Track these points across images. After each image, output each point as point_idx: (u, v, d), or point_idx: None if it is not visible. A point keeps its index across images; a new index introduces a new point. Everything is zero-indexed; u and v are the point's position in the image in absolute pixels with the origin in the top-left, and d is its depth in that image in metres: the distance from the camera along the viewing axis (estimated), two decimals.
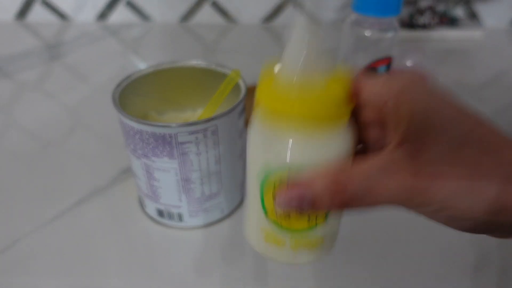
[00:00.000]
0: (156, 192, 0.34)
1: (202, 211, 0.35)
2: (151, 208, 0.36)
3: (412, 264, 0.33)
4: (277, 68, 0.19)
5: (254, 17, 0.83)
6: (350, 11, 0.40)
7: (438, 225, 0.19)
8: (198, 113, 0.40)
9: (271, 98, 0.19)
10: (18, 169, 0.44)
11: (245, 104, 0.34)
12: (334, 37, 0.77)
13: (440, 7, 0.78)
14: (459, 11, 0.81)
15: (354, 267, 0.33)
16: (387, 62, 0.41)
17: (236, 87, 0.35)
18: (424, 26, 0.75)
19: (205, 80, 0.38)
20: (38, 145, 0.48)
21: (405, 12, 0.77)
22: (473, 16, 0.82)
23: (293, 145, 0.18)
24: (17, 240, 0.35)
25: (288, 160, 0.19)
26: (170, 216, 0.36)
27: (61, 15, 0.82)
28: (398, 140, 0.18)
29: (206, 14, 0.82)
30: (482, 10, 0.81)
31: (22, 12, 0.82)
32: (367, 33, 0.39)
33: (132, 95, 0.36)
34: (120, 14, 0.82)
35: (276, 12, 0.82)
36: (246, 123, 0.35)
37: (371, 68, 0.41)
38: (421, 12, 0.75)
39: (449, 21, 0.78)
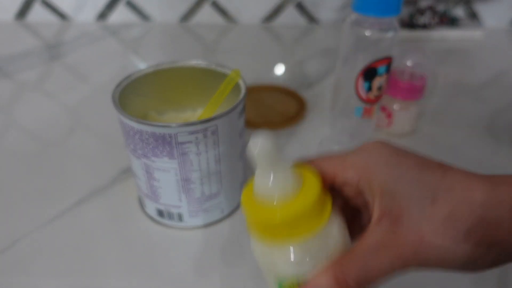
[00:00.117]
0: (156, 192, 0.34)
1: (202, 211, 0.35)
2: (151, 208, 0.36)
3: None
4: (253, 198, 0.21)
5: (254, 17, 0.83)
6: (350, 11, 0.40)
7: None
8: (198, 113, 0.40)
9: (259, 226, 0.21)
10: (18, 169, 0.44)
11: (245, 104, 0.34)
12: (334, 37, 0.77)
13: (440, 7, 0.78)
14: (459, 11, 0.81)
15: None
16: (387, 62, 0.41)
17: (236, 87, 0.35)
18: (424, 26, 0.75)
19: (205, 80, 0.38)
20: (38, 145, 0.48)
21: (405, 12, 0.77)
22: (473, 16, 0.82)
23: (291, 259, 0.20)
24: (17, 240, 0.35)
25: (292, 271, 0.20)
26: (170, 216, 0.36)
27: (61, 15, 0.82)
28: (376, 216, 0.19)
29: (206, 14, 0.82)
30: (482, 10, 0.81)
31: (22, 12, 0.82)
32: (367, 33, 0.39)
33: (132, 95, 0.36)
34: (120, 14, 0.82)
35: (276, 12, 0.82)
36: (246, 123, 0.35)
37: (371, 68, 0.41)
38: (421, 12, 0.75)
39: (449, 21, 0.78)
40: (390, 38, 0.40)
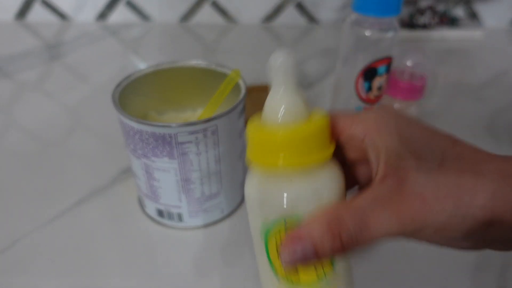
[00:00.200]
0: (156, 192, 0.34)
1: (202, 211, 0.35)
2: (151, 208, 0.36)
3: (412, 264, 0.33)
4: (261, 123, 0.20)
5: (254, 17, 0.83)
6: (350, 11, 0.40)
7: None
8: (198, 113, 0.40)
9: (259, 146, 0.19)
10: (18, 169, 0.44)
11: (245, 104, 0.34)
12: (334, 37, 0.77)
13: (440, 7, 0.78)
14: (459, 11, 0.81)
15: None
16: (387, 62, 0.41)
17: (236, 87, 0.35)
18: (424, 26, 0.75)
19: (205, 80, 0.38)
20: (38, 145, 0.48)
21: (405, 12, 0.77)
22: (473, 16, 0.82)
23: (284, 195, 0.19)
24: (17, 240, 0.35)
25: (282, 211, 0.19)
26: (170, 216, 0.36)
27: (61, 15, 0.82)
28: (381, 174, 0.18)
29: (206, 14, 0.82)
30: (482, 10, 0.81)
31: (22, 12, 0.82)
32: (367, 33, 0.39)
33: (132, 95, 0.36)
34: (120, 14, 0.82)
35: (276, 12, 0.82)
36: (246, 123, 0.35)
37: (371, 68, 0.41)
38: (421, 12, 0.75)
39: (449, 21, 0.78)
40: (390, 38, 0.40)
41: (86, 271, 0.33)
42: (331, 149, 0.20)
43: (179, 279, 0.32)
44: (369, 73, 0.41)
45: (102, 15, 0.82)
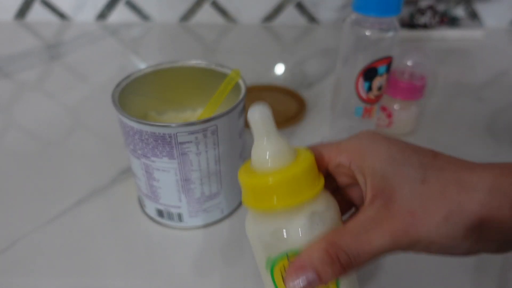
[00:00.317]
0: (156, 192, 0.34)
1: (202, 211, 0.35)
2: (151, 208, 0.36)
3: (412, 264, 0.33)
4: (251, 170, 0.21)
5: (254, 17, 0.83)
6: (350, 11, 0.40)
7: None
8: (198, 113, 0.40)
9: (253, 191, 0.21)
10: (18, 169, 0.44)
11: (245, 104, 0.34)
12: (334, 37, 0.77)
13: (441, 7, 0.78)
14: (459, 11, 0.81)
15: None
16: (387, 62, 0.41)
17: (236, 87, 0.35)
18: (425, 26, 0.75)
19: (205, 80, 0.38)
20: (38, 145, 0.48)
21: (405, 11, 0.77)
22: (473, 16, 0.82)
23: (283, 234, 0.20)
24: (17, 240, 0.35)
25: (283, 248, 0.20)
26: (170, 216, 0.36)
27: (61, 15, 0.82)
28: (369, 197, 0.20)
29: (206, 14, 0.82)
30: (482, 10, 0.81)
31: (22, 12, 0.82)
32: (367, 33, 0.39)
33: (132, 95, 0.35)
34: (120, 14, 0.82)
35: (276, 12, 0.82)
36: (246, 123, 0.35)
37: (371, 68, 0.41)
38: (421, 11, 0.74)
39: (450, 21, 0.78)
40: (390, 38, 0.40)
41: (86, 271, 0.33)
42: (321, 183, 0.21)
43: (179, 279, 0.32)
44: (369, 73, 0.41)
45: (102, 15, 0.82)
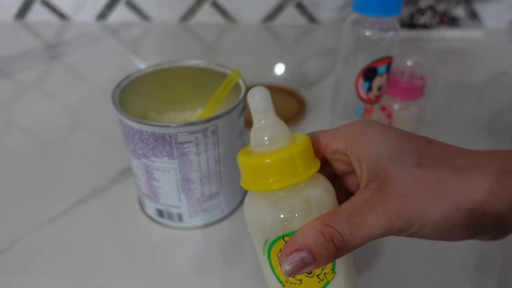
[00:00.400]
0: (156, 192, 0.34)
1: (202, 211, 0.35)
2: (151, 208, 0.36)
3: (412, 264, 0.33)
4: (249, 152, 0.22)
5: (254, 17, 0.83)
6: (350, 11, 0.40)
7: None
8: (198, 113, 0.40)
9: (251, 171, 0.21)
10: (18, 169, 0.44)
11: (245, 104, 0.34)
12: (334, 37, 0.77)
13: (441, 7, 0.78)
14: (459, 11, 0.81)
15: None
16: (387, 62, 0.41)
17: (236, 87, 0.35)
18: (425, 26, 0.75)
19: (205, 80, 0.38)
20: (38, 145, 0.48)
21: (405, 11, 0.77)
22: (473, 16, 0.82)
23: (280, 217, 0.20)
24: (17, 240, 0.35)
25: (280, 231, 0.20)
26: (170, 216, 0.36)
27: (61, 15, 0.82)
28: (364, 181, 0.20)
29: (206, 14, 0.82)
30: (482, 10, 0.81)
31: (22, 12, 0.82)
32: (367, 33, 0.39)
33: (132, 95, 0.35)
34: (120, 14, 0.82)
35: (276, 12, 0.82)
36: (246, 123, 0.35)
37: (371, 68, 0.41)
38: (421, 11, 0.74)
39: (450, 21, 0.78)
40: (390, 38, 0.40)
41: (86, 271, 0.33)
42: (317, 165, 0.21)
43: (179, 279, 0.32)
44: (369, 73, 0.41)
45: (102, 15, 0.82)
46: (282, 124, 0.21)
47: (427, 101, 0.55)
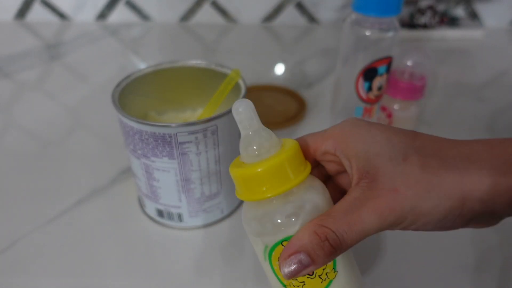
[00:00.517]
0: (156, 192, 0.34)
1: (202, 211, 0.35)
2: (151, 208, 0.36)
3: (412, 264, 0.33)
4: (240, 163, 0.22)
5: (254, 17, 0.83)
6: (350, 11, 0.40)
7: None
8: (198, 113, 0.40)
9: (245, 182, 0.21)
10: (18, 169, 0.44)
11: None
12: (334, 37, 0.77)
13: (441, 7, 0.78)
14: (459, 11, 0.81)
15: None
16: (387, 62, 0.41)
17: (236, 87, 0.35)
18: (425, 26, 0.75)
19: (205, 80, 0.38)
20: (38, 145, 0.48)
21: (405, 11, 0.77)
22: (473, 16, 0.82)
23: (278, 222, 0.21)
24: (17, 240, 0.35)
25: (278, 236, 0.21)
26: (170, 216, 0.36)
27: (61, 15, 0.82)
28: (355, 179, 0.20)
29: (206, 14, 0.82)
30: (482, 10, 0.81)
31: (22, 12, 0.82)
32: (367, 33, 0.39)
33: (131, 95, 0.35)
34: (120, 14, 0.82)
35: (276, 12, 0.82)
36: None
37: (371, 68, 0.41)
38: (421, 11, 0.74)
39: (450, 21, 0.78)
40: (390, 38, 0.40)
41: (86, 271, 0.33)
42: (308, 168, 0.22)
43: (179, 279, 0.32)
44: (369, 73, 0.41)
45: (102, 15, 0.82)
46: (269, 132, 0.21)
47: (427, 101, 0.55)
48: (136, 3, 0.81)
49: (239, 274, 0.32)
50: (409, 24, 0.76)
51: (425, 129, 0.50)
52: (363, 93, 0.43)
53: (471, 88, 0.60)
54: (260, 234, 0.21)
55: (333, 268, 0.21)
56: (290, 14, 0.82)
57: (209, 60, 0.39)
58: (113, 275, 0.32)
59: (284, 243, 0.21)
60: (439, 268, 0.33)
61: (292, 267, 0.19)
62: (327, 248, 0.19)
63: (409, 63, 0.45)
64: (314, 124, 0.51)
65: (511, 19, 0.82)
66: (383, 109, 0.47)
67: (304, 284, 0.22)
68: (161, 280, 0.32)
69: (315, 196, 0.21)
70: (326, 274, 0.21)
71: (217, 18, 0.83)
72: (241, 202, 0.39)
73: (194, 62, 0.38)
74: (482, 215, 0.20)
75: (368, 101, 0.44)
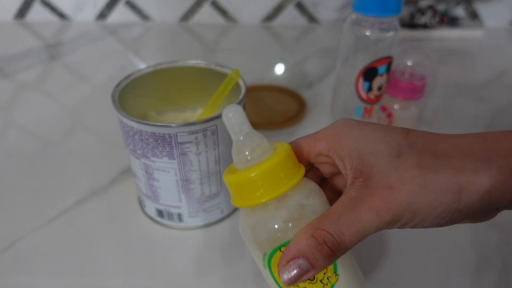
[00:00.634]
0: (156, 193, 0.34)
1: (202, 211, 0.35)
2: (151, 208, 0.36)
3: (413, 264, 0.33)
4: (233, 170, 0.22)
5: (254, 17, 0.83)
6: (350, 11, 0.40)
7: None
8: (198, 113, 0.40)
9: (239, 188, 0.21)
10: (18, 169, 0.44)
11: (245, 104, 0.34)
12: (334, 37, 0.77)
13: (441, 7, 0.78)
14: (459, 11, 0.81)
15: None
16: (388, 62, 0.41)
17: (236, 87, 0.35)
18: (425, 26, 0.75)
19: (205, 80, 0.38)
20: (38, 145, 0.48)
21: (405, 11, 0.77)
22: (473, 16, 0.82)
23: (274, 228, 0.20)
24: (17, 240, 0.35)
25: (276, 242, 0.20)
26: (170, 216, 0.36)
27: (61, 15, 0.82)
28: (350, 179, 0.20)
29: (206, 14, 0.82)
30: (482, 9, 0.81)
31: (22, 12, 0.82)
32: (367, 32, 0.39)
33: (131, 95, 0.35)
34: (120, 14, 0.82)
35: (276, 12, 0.82)
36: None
37: (371, 68, 0.41)
38: (421, 11, 0.74)
39: (450, 21, 0.78)
40: (390, 37, 0.40)
41: (86, 271, 0.33)
42: (301, 171, 0.21)
43: (179, 279, 0.32)
44: (369, 73, 0.41)
45: (102, 15, 0.82)
46: (260, 137, 0.21)
47: (427, 101, 0.55)
48: (136, 3, 0.81)
49: (239, 274, 0.32)
50: (409, 24, 0.76)
51: (425, 129, 0.49)
52: (363, 93, 0.43)
53: (471, 88, 0.60)
54: (257, 241, 0.21)
55: (334, 272, 0.21)
56: (290, 14, 0.82)
57: (209, 60, 0.39)
58: (113, 275, 0.32)
59: (282, 248, 0.20)
60: (439, 268, 0.33)
61: (292, 273, 0.19)
62: (326, 251, 0.19)
63: (409, 63, 0.45)
64: (314, 124, 0.51)
65: (511, 19, 0.82)
66: (383, 109, 0.47)
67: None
68: (161, 280, 0.32)
69: (311, 198, 0.21)
70: (327, 279, 0.21)
71: (217, 18, 0.83)
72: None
73: (194, 62, 0.38)
74: (479, 208, 0.19)
75: (368, 101, 0.44)
